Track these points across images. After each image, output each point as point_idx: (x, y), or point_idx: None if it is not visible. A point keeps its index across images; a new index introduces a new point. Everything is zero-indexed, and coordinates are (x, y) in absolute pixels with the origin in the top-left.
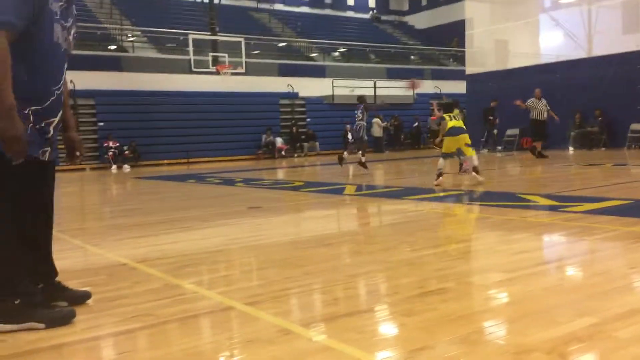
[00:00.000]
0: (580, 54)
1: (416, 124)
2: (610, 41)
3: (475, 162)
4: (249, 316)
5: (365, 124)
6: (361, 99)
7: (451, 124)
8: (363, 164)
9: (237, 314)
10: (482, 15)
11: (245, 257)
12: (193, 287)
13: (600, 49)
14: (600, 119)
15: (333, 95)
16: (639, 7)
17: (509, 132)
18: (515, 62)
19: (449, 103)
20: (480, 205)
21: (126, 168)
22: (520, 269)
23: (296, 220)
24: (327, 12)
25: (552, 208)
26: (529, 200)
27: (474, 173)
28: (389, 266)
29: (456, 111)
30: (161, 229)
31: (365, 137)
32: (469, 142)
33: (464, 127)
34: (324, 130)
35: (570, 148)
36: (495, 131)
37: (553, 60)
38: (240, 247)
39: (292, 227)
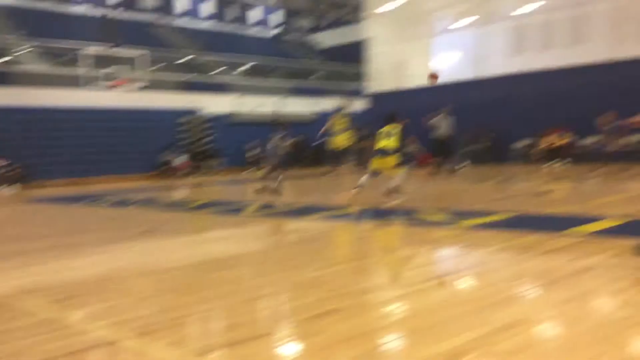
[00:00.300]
0: (472, 74)
1: (319, 141)
2: (500, 63)
3: (394, 184)
4: (137, 350)
5: (285, 146)
6: (280, 123)
7: (381, 143)
8: (276, 190)
9: (125, 348)
10: (382, 36)
11: (138, 284)
12: (78, 319)
13: (491, 71)
14: (489, 136)
15: (236, 112)
16: (525, 30)
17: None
18: (414, 81)
19: (389, 115)
20: (378, 222)
21: (8, 190)
22: (414, 284)
23: (194, 243)
24: (231, 28)
25: (445, 223)
26: (423, 216)
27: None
28: (288, 287)
29: (389, 127)
30: (47, 257)
31: (282, 161)
32: (396, 163)
33: (391, 148)
34: (226, 148)
35: (462, 164)
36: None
37: (448, 80)
38: (133, 273)
39: (190, 250)
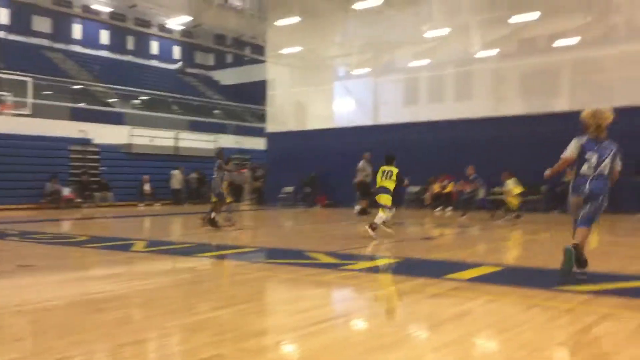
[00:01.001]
0: (368, 121)
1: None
2: (393, 111)
3: (379, 221)
4: None
5: (221, 179)
6: (219, 153)
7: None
8: (213, 222)
9: None
10: (283, 78)
11: (11, 323)
12: None
13: (385, 118)
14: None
15: (131, 144)
16: (417, 83)
17: (286, 189)
18: (313, 124)
19: (388, 156)
20: (268, 262)
21: None
22: (301, 328)
23: (76, 280)
24: (129, 58)
25: (333, 266)
26: (313, 258)
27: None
28: (165, 332)
29: (387, 167)
30: None
31: (221, 192)
32: (385, 202)
33: (386, 186)
34: (118, 180)
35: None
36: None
37: (345, 125)
38: (6, 312)
39: (71, 288)
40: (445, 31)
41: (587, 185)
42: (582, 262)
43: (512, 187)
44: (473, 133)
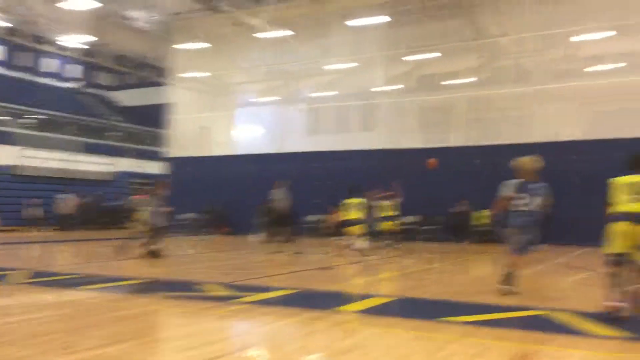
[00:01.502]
0: (273, 149)
1: (118, 202)
2: (298, 140)
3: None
4: None
5: (157, 209)
6: (158, 183)
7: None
8: (155, 253)
9: None
10: (186, 102)
11: None
12: None
13: (290, 146)
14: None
15: (19, 165)
16: (322, 113)
17: (184, 215)
18: (217, 150)
19: (353, 187)
20: (158, 295)
21: None
22: None
23: None
24: (23, 75)
25: (226, 298)
26: (206, 290)
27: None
28: None
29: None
30: None
31: (160, 223)
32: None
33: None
34: (5, 204)
35: (258, 235)
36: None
37: (249, 152)
38: None
39: None
40: (349, 65)
41: (521, 219)
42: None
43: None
44: (375, 163)
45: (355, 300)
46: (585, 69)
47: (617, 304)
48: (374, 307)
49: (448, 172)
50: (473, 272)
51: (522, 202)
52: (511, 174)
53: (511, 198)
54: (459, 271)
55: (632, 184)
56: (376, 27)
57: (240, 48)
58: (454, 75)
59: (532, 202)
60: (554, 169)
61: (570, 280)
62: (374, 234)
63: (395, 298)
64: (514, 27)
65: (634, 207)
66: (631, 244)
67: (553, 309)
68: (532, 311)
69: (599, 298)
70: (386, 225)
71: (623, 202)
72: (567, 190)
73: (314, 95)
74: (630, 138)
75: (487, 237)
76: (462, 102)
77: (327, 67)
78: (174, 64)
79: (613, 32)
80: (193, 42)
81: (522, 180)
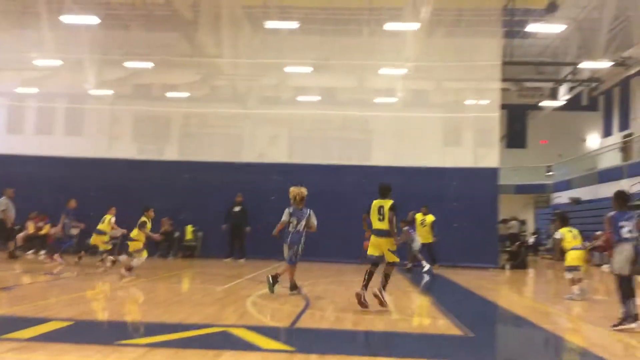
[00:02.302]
0: None
1: None
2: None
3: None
4: None
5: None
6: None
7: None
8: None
9: None
10: None
11: None
12: None
13: None
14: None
15: None
16: (23, 111)
17: None
18: None
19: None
20: None
21: None
22: None
23: None
24: None
25: None
26: None
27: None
28: None
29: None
30: None
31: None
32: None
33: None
34: None
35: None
36: None
37: None
38: None
39: None
40: (58, 62)
41: (290, 237)
42: (273, 282)
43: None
44: (82, 172)
45: (31, 325)
46: (295, 98)
47: (362, 293)
48: (49, 333)
49: (163, 185)
50: (174, 288)
51: (292, 224)
52: (220, 190)
53: (286, 222)
54: (153, 289)
55: (378, 207)
56: (88, 27)
57: None
58: (172, 88)
59: (300, 224)
60: (258, 188)
61: (256, 294)
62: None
63: (76, 321)
64: (231, 51)
65: (378, 225)
66: (379, 251)
67: (234, 325)
68: (213, 328)
69: (275, 313)
70: (97, 239)
71: (374, 221)
72: (269, 207)
73: (17, 90)
74: (324, 164)
75: (193, 252)
76: (179, 116)
77: (34, 62)
78: None
79: (311, 69)
80: None
81: (294, 206)
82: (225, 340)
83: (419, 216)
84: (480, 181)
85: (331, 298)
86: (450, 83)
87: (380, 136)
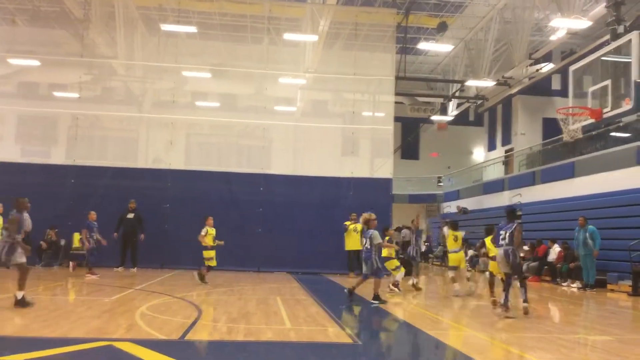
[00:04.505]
0: None
1: None
2: None
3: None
4: None
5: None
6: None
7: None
8: None
9: None
10: None
11: None
12: None
13: None
14: None
15: None
16: None
17: None
18: None
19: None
20: None
21: None
22: None
23: None
24: None
25: None
26: None
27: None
28: None
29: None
30: None
31: None
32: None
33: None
34: None
35: None
36: None
37: None
38: None
39: None
40: None
41: (363, 255)
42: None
43: None
44: None
45: None
46: (194, 103)
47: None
48: None
49: (49, 190)
50: (56, 300)
51: (364, 244)
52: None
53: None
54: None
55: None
56: None
57: None
58: (61, 87)
59: (367, 243)
60: (151, 194)
61: (146, 305)
62: None
63: None
64: (125, 52)
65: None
66: None
67: (120, 339)
68: (98, 342)
69: (165, 325)
70: None
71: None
72: (162, 215)
73: None
74: (222, 172)
75: (80, 260)
76: (67, 117)
77: None
78: None
79: (209, 74)
80: None
81: (364, 228)
82: (109, 355)
83: (350, 224)
84: (376, 191)
85: (224, 308)
86: (348, 95)
87: (280, 145)
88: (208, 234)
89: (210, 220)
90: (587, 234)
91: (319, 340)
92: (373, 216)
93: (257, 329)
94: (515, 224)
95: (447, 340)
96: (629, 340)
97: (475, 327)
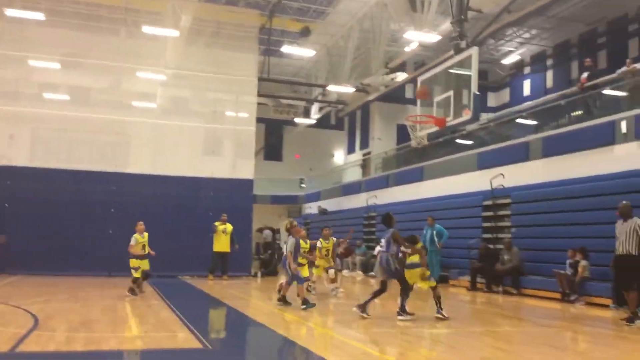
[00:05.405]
0: None
1: None
2: None
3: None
4: None
5: None
6: None
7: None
8: None
9: None
10: None
11: None
12: None
13: None
14: None
15: None
16: None
17: None
18: None
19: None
20: None
21: None
22: None
23: None
24: None
25: None
26: None
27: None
28: None
29: None
30: None
31: None
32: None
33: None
34: None
35: None
36: None
37: None
38: None
39: None
40: None
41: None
42: None
43: None
44: None
45: None
46: (41, 95)
47: None
48: None
49: None
50: None
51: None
52: None
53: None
54: None
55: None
56: None
57: None
58: None
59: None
60: None
61: None
62: None
63: None
64: None
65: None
66: None
67: None
68: None
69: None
70: None
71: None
72: (4, 215)
73: None
74: (73, 169)
75: None
76: None
77: None
78: None
79: (59, 65)
80: None
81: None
82: None
83: (219, 224)
84: (237, 191)
85: (65, 316)
86: (210, 93)
87: (138, 142)
88: (138, 242)
89: (141, 226)
90: (434, 232)
91: (166, 347)
92: (295, 223)
93: (100, 337)
94: (391, 230)
95: (299, 340)
96: (466, 333)
97: (332, 327)
